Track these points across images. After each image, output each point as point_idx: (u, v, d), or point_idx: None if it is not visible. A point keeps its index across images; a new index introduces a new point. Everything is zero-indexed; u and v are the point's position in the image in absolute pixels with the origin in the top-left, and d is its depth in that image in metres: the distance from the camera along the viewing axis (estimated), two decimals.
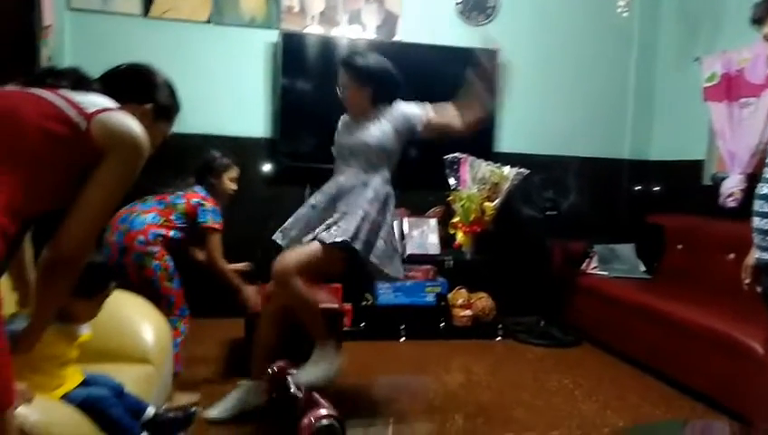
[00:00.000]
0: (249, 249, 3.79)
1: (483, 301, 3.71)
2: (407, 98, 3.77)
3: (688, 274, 3.59)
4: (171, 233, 2.65)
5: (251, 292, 2.89)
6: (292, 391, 2.11)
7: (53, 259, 1.24)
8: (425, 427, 2.45)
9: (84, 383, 1.58)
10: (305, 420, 1.96)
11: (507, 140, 4.20)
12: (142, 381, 1.84)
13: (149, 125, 1.42)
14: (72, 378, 1.57)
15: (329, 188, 2.49)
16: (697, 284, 3.42)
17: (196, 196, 2.75)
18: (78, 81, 1.32)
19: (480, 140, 4.03)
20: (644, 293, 3.38)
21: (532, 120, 4.26)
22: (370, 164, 2.44)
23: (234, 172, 2.96)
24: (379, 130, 2.45)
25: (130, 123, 1.28)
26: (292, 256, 2.29)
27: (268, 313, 2.46)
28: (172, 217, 2.68)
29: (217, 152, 2.96)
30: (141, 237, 2.58)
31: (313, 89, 3.84)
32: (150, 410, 1.68)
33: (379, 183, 2.41)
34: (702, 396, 2.76)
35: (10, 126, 1.14)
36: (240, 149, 3.80)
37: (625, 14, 3.85)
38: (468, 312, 3.67)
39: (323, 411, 1.99)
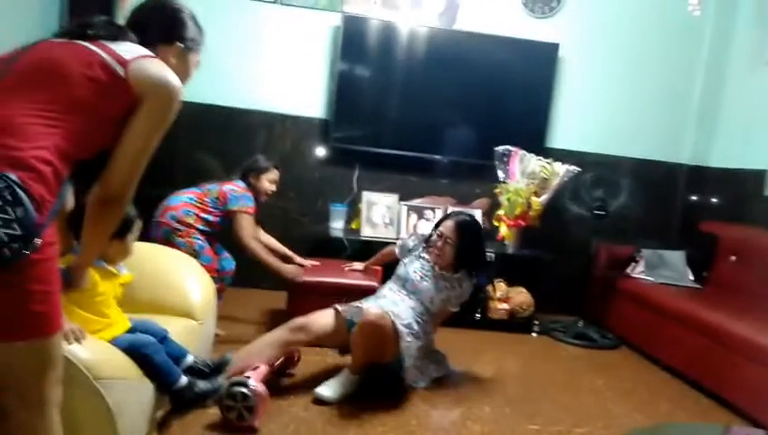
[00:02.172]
0: (298, 226, 3.93)
1: (521, 296, 3.70)
2: (456, 86, 3.85)
3: (739, 286, 3.46)
4: (203, 215, 2.88)
5: (289, 269, 3.06)
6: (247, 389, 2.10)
7: (102, 197, 1.35)
8: (450, 413, 2.49)
9: (131, 330, 1.71)
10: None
11: (560, 136, 4.15)
12: (186, 335, 1.96)
13: (182, 61, 1.53)
14: (120, 323, 1.69)
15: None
16: (747, 297, 3.30)
17: (231, 184, 2.97)
18: (114, 30, 1.39)
19: (532, 135, 4.01)
20: (690, 301, 3.29)
21: (587, 118, 4.18)
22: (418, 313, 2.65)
23: (273, 174, 3.13)
24: (444, 294, 2.69)
25: (164, 71, 1.37)
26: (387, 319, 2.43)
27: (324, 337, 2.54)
28: (206, 200, 2.92)
29: (262, 156, 3.19)
30: (173, 213, 2.84)
31: (370, 73, 3.91)
32: (189, 358, 1.79)
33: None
34: (739, 411, 2.68)
35: (58, 75, 1.24)
36: (296, 127, 3.94)
37: (696, 14, 3.71)
38: (505, 305, 3.67)
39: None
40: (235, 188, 2.95)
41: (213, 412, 2.12)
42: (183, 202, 2.90)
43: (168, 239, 2.79)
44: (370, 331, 2.38)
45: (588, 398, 2.80)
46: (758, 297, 3.23)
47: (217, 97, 3.81)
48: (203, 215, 2.89)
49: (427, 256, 2.74)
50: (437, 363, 2.78)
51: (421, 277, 2.67)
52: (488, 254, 2.93)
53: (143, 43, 1.42)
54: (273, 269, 3.00)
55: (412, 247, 2.84)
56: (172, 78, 1.37)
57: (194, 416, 2.05)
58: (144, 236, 2.79)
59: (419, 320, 2.60)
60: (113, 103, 1.30)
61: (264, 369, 2.26)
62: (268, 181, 3.11)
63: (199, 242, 2.84)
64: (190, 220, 2.85)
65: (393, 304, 2.54)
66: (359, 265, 3.20)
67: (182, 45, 1.53)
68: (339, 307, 2.54)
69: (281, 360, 2.48)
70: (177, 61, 1.51)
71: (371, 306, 2.49)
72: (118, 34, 1.38)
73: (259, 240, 3.20)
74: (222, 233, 3.01)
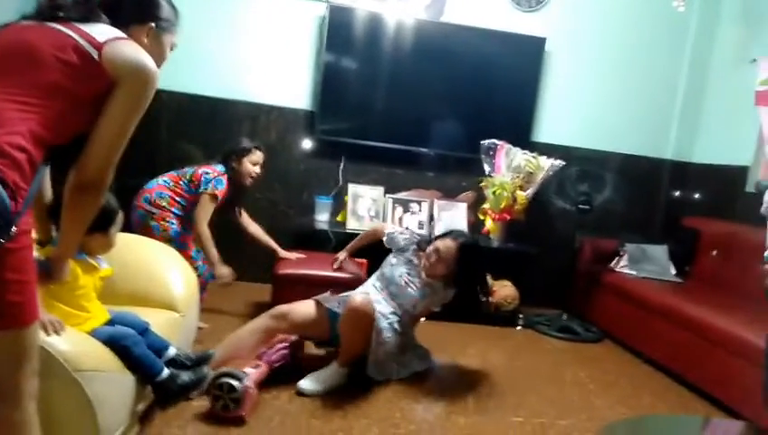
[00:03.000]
0: (284, 218, 3.90)
1: (506, 289, 3.71)
2: (442, 79, 3.80)
3: (720, 280, 3.51)
4: (177, 198, 2.84)
5: (222, 271, 2.95)
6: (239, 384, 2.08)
7: (78, 183, 1.31)
8: (434, 406, 2.48)
9: (111, 323, 1.67)
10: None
11: (546, 131, 4.16)
12: (168, 327, 1.93)
13: (156, 42, 1.48)
14: (99, 315, 1.66)
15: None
16: (728, 291, 3.35)
17: (208, 168, 2.90)
18: (86, 11, 1.35)
19: (518, 129, 4.01)
20: (672, 295, 3.33)
21: (573, 112, 4.19)
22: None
23: (255, 156, 3.05)
24: (428, 300, 2.65)
25: (139, 53, 1.33)
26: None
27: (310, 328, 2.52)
28: (181, 183, 2.86)
29: (246, 138, 3.11)
30: (147, 196, 2.81)
31: (356, 65, 3.87)
32: (172, 350, 1.77)
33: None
34: (720, 403, 2.72)
35: (30, 59, 1.21)
36: (281, 119, 3.90)
37: (681, 10, 3.73)
38: (490, 299, 3.67)
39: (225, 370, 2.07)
40: (209, 170, 2.87)
41: (196, 404, 2.10)
42: (158, 185, 2.86)
43: (144, 223, 2.77)
44: (355, 317, 2.37)
45: (571, 390, 2.81)
46: (739, 291, 3.28)
47: (202, 87, 3.76)
48: (177, 198, 2.84)
49: (416, 260, 2.69)
50: (420, 358, 2.77)
51: (407, 283, 2.62)
52: (484, 275, 2.84)
53: (116, 23, 1.38)
54: (210, 260, 2.90)
55: (403, 246, 2.77)
56: (147, 61, 1.33)
57: (177, 408, 2.02)
58: (125, 222, 2.79)
59: (400, 319, 2.58)
60: (87, 87, 1.27)
61: (264, 368, 2.25)
62: (251, 163, 3.02)
63: (174, 227, 2.80)
64: (164, 203, 2.81)
65: (376, 303, 2.52)
66: (342, 255, 3.06)
67: (156, 26, 1.49)
68: (319, 298, 2.52)
69: (282, 357, 2.44)
70: (152, 42, 1.46)
71: (356, 294, 2.48)
72: (90, 15, 1.34)
73: (245, 226, 3.18)
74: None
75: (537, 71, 4.04)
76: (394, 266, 2.69)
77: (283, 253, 3.24)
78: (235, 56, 3.81)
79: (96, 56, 1.26)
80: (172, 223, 2.80)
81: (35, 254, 1.49)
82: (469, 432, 2.26)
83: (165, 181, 2.88)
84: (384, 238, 2.84)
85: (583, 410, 2.60)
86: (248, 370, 2.15)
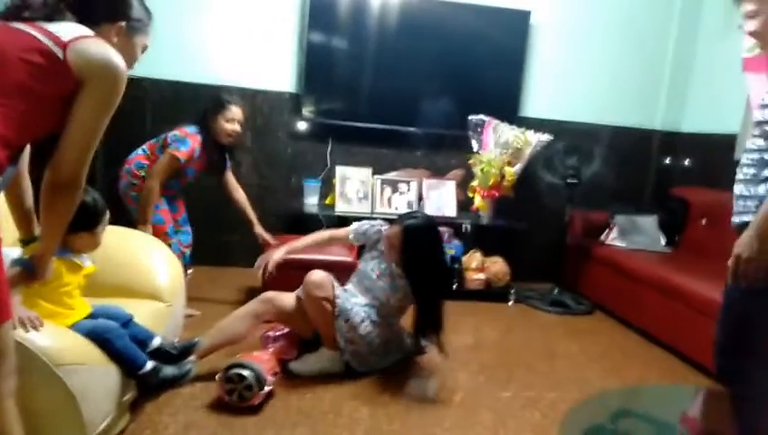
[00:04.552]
0: (273, 202, 3.89)
1: (497, 265, 3.72)
2: (428, 56, 3.73)
3: (709, 249, 3.51)
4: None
5: (147, 229, 2.75)
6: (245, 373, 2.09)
7: (53, 183, 1.31)
8: (424, 383, 2.52)
9: (92, 315, 1.68)
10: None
11: (534, 105, 4.13)
12: (154, 317, 1.94)
13: (126, 41, 1.46)
14: (81, 309, 1.67)
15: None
16: (717, 259, 3.31)
17: (179, 130, 2.83)
18: (50, 10, 1.33)
19: (506, 104, 3.98)
20: (660, 265, 3.34)
21: (560, 86, 4.16)
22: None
23: (231, 113, 2.93)
24: (401, 293, 2.51)
25: (106, 51, 1.31)
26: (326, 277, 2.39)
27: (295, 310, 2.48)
28: (156, 150, 2.82)
29: (226, 95, 3.00)
30: (127, 166, 2.81)
31: (340, 44, 3.83)
32: (157, 340, 1.77)
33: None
34: (711, 373, 2.74)
35: None
36: (267, 102, 3.86)
37: None
38: (482, 275, 3.69)
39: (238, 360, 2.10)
40: (177, 132, 2.81)
41: (187, 392, 2.12)
42: (137, 155, 2.85)
43: (126, 194, 2.77)
44: (312, 291, 2.34)
45: (562, 364, 2.84)
46: (725, 259, 3.26)
47: (184, 74, 3.71)
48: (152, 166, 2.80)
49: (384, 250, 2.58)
50: (407, 348, 2.69)
51: (378, 276, 2.53)
52: (442, 262, 2.61)
53: (86, 22, 1.36)
54: (139, 219, 2.74)
55: (374, 240, 2.62)
56: (115, 58, 1.31)
57: (166, 396, 2.04)
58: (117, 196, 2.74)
59: (378, 311, 2.49)
60: (53, 87, 1.25)
61: (274, 356, 2.28)
62: (225, 121, 2.90)
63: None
64: (142, 173, 2.78)
65: (352, 296, 2.49)
66: (278, 256, 2.71)
67: (127, 26, 1.46)
68: (298, 292, 2.48)
69: (284, 347, 2.45)
70: (122, 42, 1.43)
71: (315, 271, 2.42)
72: (54, 14, 1.32)
73: (230, 191, 3.14)
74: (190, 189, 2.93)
75: (523, 44, 3.99)
76: (367, 262, 2.61)
77: (258, 228, 3.20)
78: (218, 41, 3.76)
79: (61, 55, 1.24)
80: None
81: (19, 253, 1.50)
82: (457, 410, 2.29)
83: (143, 150, 2.85)
84: (350, 237, 2.68)
85: (573, 382, 2.62)
86: (257, 354, 2.19)
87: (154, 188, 2.73)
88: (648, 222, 3.86)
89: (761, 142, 1.64)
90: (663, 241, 3.81)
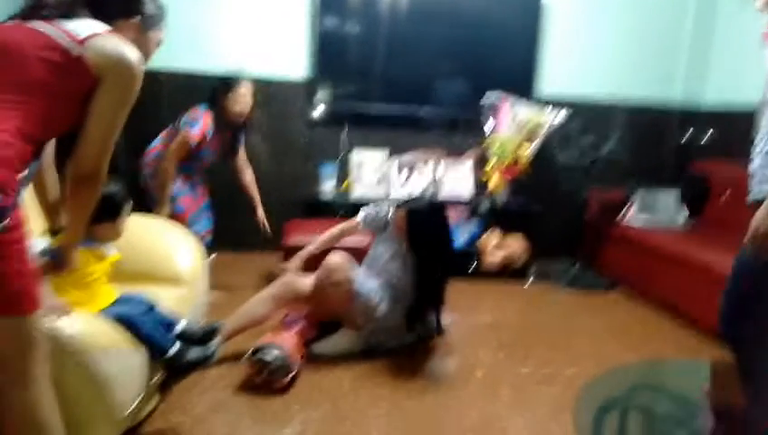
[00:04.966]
0: (290, 189, 3.94)
1: (515, 244, 3.72)
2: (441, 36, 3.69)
3: (731, 223, 3.46)
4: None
5: (164, 211, 2.82)
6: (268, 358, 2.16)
7: (75, 175, 1.37)
8: (446, 360, 2.56)
9: (118, 302, 1.74)
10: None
11: (549, 83, 4.08)
12: (176, 302, 2.00)
13: (140, 37, 1.50)
14: (106, 296, 1.73)
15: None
16: (740, 233, 3.29)
17: (192, 111, 2.85)
18: (66, 8, 1.37)
19: (520, 83, 3.96)
20: (683, 241, 3.31)
21: (576, 62, 4.11)
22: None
23: (239, 91, 2.91)
24: (405, 268, 2.54)
25: (122, 47, 1.34)
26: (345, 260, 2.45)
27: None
28: (171, 137, 2.85)
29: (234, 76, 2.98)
30: (145, 158, 2.86)
31: (352, 28, 3.84)
32: (181, 324, 1.84)
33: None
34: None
35: (13, 60, 1.24)
36: (281, 91, 3.89)
37: None
38: (500, 254, 3.70)
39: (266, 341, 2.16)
40: (188, 113, 2.83)
41: (213, 373, 2.20)
42: (155, 145, 2.90)
43: (146, 183, 2.84)
44: (328, 274, 2.40)
45: (581, 340, 2.85)
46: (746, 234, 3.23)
47: (199, 65, 3.75)
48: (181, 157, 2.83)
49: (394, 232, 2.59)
50: (421, 329, 2.71)
51: (390, 258, 2.55)
52: (447, 243, 2.58)
53: (101, 18, 1.40)
54: (159, 201, 2.79)
55: (383, 223, 2.64)
56: (130, 54, 1.35)
57: (194, 378, 2.11)
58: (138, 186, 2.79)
59: (395, 291, 2.52)
60: (72, 83, 1.30)
61: (297, 337, 2.33)
62: (235, 100, 2.90)
63: (175, 187, 2.83)
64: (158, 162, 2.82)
65: (367, 278, 2.52)
66: (294, 264, 2.72)
67: (141, 21, 1.50)
68: (318, 275, 2.50)
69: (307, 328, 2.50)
70: (137, 37, 1.48)
71: (333, 255, 2.47)
72: (70, 12, 1.36)
73: (240, 170, 3.17)
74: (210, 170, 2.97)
75: (536, 21, 3.95)
76: (377, 245, 2.64)
77: (260, 213, 3.21)
78: (231, 31, 3.79)
79: (78, 52, 1.28)
80: (174, 182, 2.83)
81: (46, 244, 1.56)
82: (476, 386, 2.32)
83: (160, 139, 2.90)
84: (361, 226, 2.71)
85: (592, 357, 2.63)
86: (284, 336, 2.26)
87: (167, 170, 2.77)
88: (669, 197, 3.82)
89: None
90: (684, 216, 3.77)
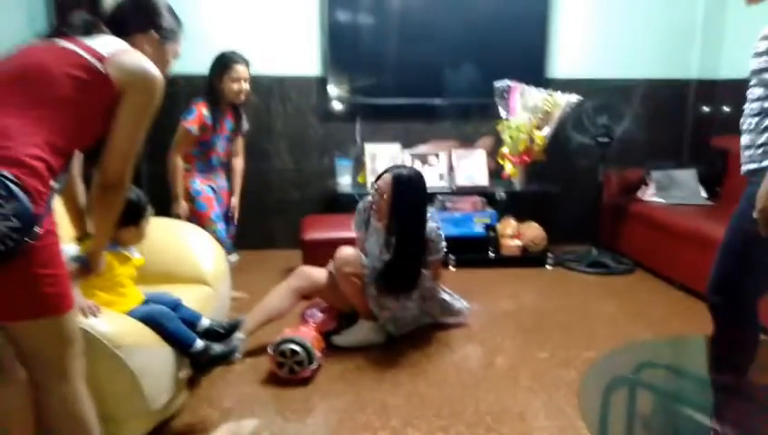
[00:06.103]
0: (307, 184, 4.00)
1: (532, 230, 3.74)
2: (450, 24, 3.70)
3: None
4: (188, 149, 2.86)
5: (182, 206, 2.86)
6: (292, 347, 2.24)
7: (101, 184, 1.45)
8: (464, 347, 2.61)
9: (145, 303, 1.83)
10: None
11: (560, 66, 4.07)
12: (200, 300, 2.08)
13: (158, 50, 1.57)
14: (134, 297, 1.82)
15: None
16: None
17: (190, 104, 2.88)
18: (89, 25, 1.44)
19: (532, 67, 3.95)
20: (702, 218, 3.29)
21: (587, 43, 4.08)
22: None
23: (235, 72, 2.88)
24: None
25: (142, 62, 1.42)
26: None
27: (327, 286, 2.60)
28: None
29: (229, 54, 2.95)
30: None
31: (362, 21, 3.87)
32: (205, 321, 1.92)
33: None
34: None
35: (41, 76, 1.32)
36: (295, 88, 3.95)
37: None
38: (517, 241, 3.72)
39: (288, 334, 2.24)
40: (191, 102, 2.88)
41: (238, 367, 2.28)
42: None
43: None
44: (338, 267, 2.48)
45: (600, 323, 2.87)
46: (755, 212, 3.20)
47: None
48: (188, 150, 2.86)
49: (375, 221, 2.65)
50: (444, 308, 2.78)
51: (381, 252, 2.58)
52: (424, 214, 2.59)
53: (119, 34, 1.48)
54: (172, 194, 2.84)
55: (367, 216, 2.69)
56: (150, 68, 1.42)
57: (220, 372, 2.19)
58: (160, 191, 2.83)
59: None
60: (96, 98, 1.37)
61: (310, 330, 2.39)
62: (231, 81, 2.86)
63: (195, 186, 2.88)
64: (187, 166, 2.86)
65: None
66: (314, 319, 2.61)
67: (158, 35, 1.57)
68: (329, 268, 2.60)
69: (326, 321, 2.57)
70: (154, 50, 1.55)
71: (343, 248, 2.55)
72: (91, 29, 1.44)
73: (235, 155, 3.12)
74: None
75: (545, 4, 3.93)
76: (370, 240, 2.67)
77: (235, 200, 3.13)
78: (244, 33, 3.84)
79: (101, 68, 1.36)
80: (194, 181, 2.88)
81: (75, 250, 1.65)
82: (494, 370, 2.37)
83: None
84: (355, 232, 2.79)
85: (611, 339, 2.65)
86: (304, 330, 2.34)
87: (172, 161, 2.82)
88: (687, 175, 3.79)
89: (759, 91, 1.67)
90: (703, 194, 3.73)
